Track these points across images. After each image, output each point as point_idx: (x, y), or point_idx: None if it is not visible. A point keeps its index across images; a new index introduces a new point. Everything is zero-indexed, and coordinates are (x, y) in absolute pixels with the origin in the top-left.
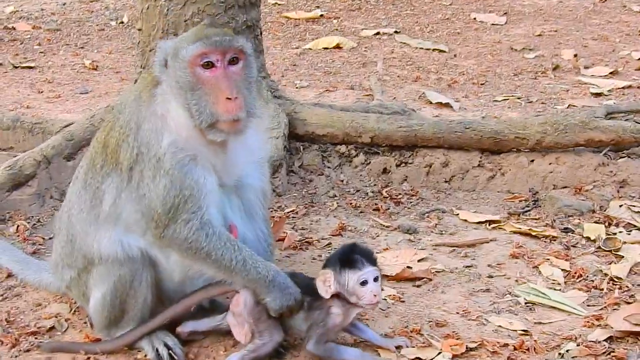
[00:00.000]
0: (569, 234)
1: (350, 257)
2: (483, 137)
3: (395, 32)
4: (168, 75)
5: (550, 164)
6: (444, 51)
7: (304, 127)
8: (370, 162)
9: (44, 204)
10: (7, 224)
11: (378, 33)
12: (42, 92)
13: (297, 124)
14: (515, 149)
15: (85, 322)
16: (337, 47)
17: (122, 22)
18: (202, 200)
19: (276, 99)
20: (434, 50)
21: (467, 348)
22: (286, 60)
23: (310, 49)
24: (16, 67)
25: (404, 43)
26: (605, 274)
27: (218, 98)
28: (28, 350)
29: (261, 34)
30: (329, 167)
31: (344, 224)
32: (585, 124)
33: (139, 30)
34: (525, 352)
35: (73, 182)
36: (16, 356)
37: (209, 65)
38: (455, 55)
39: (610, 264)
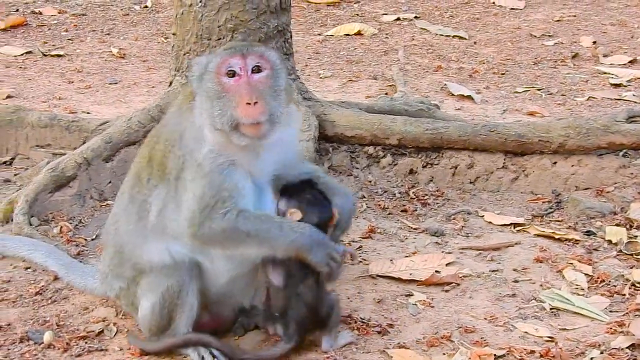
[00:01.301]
0: (591, 237)
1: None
2: (507, 139)
3: (415, 17)
4: (201, 88)
5: (572, 166)
6: (464, 38)
7: (333, 129)
8: (397, 163)
9: (84, 205)
10: (51, 224)
11: (398, 19)
12: (72, 82)
13: (327, 125)
14: (538, 152)
15: (127, 330)
16: (359, 33)
17: (146, 7)
18: (238, 198)
19: (306, 100)
20: (454, 37)
21: (495, 356)
22: (309, 47)
23: (332, 35)
24: (45, 55)
25: (424, 29)
26: (627, 279)
27: (239, 103)
28: (79, 355)
29: (291, 37)
30: (357, 168)
31: (373, 226)
32: (607, 128)
33: (174, 34)
34: (551, 358)
35: (119, 197)
36: None
37: (233, 74)
38: (475, 43)
39: (632, 268)
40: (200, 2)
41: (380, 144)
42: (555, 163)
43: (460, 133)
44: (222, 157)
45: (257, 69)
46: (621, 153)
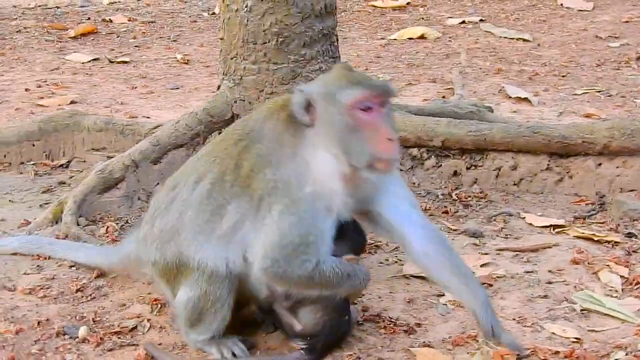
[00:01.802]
0: (633, 239)
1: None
2: (551, 141)
3: (481, 20)
4: (320, 120)
5: (617, 167)
6: (528, 40)
7: None
8: (441, 165)
9: (132, 206)
10: (98, 224)
11: (463, 22)
12: (135, 87)
13: None
14: (582, 153)
15: (162, 327)
16: (422, 37)
17: (213, 14)
18: (321, 246)
19: None
20: (517, 39)
21: (517, 356)
22: (371, 52)
23: (395, 39)
24: (112, 62)
25: (489, 32)
26: None
27: (379, 139)
28: (111, 350)
29: (337, 40)
30: (401, 170)
31: None
32: None
33: (221, 39)
34: (575, 359)
35: (197, 182)
36: (100, 355)
37: (367, 108)
38: (539, 45)
39: None
40: (246, 7)
41: (424, 146)
42: (599, 164)
43: (503, 134)
44: (322, 201)
45: (384, 102)
46: None
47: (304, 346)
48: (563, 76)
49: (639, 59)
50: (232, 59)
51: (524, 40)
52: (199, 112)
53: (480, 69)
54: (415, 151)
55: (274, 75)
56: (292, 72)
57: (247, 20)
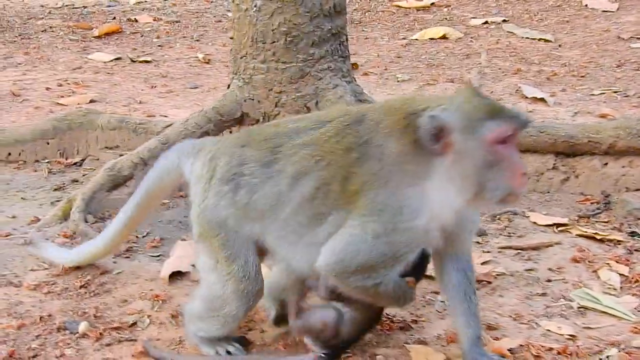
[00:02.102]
0: (635, 237)
1: None
2: (557, 140)
3: (504, 20)
4: (454, 152)
5: (623, 167)
6: (550, 41)
7: None
8: None
9: None
10: (106, 222)
11: (486, 22)
12: (155, 86)
13: None
14: (589, 152)
15: (162, 323)
16: (444, 37)
17: None
18: (394, 271)
19: (359, 102)
20: (539, 40)
21: (510, 351)
22: (391, 52)
23: (416, 39)
24: (134, 61)
25: (511, 32)
26: None
27: (515, 173)
28: (110, 345)
29: (347, 40)
30: None
31: None
32: None
33: (231, 38)
34: (567, 356)
35: (297, 178)
36: (99, 349)
37: (505, 141)
38: (560, 45)
39: None
40: (255, 6)
41: None
42: (605, 164)
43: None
44: (427, 235)
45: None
46: None
47: (324, 352)
48: (582, 77)
49: None
50: (241, 58)
51: (546, 40)
52: (208, 111)
53: (499, 69)
54: None
55: (283, 74)
56: (301, 71)
57: (256, 20)
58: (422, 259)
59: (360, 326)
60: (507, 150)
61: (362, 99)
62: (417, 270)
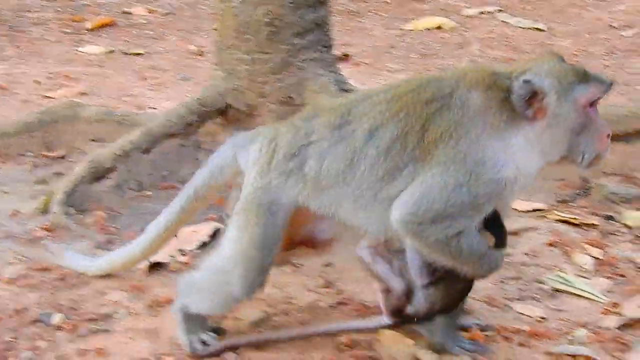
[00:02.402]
0: (610, 221)
1: None
2: None
3: (499, 10)
4: (548, 116)
5: None
6: (543, 30)
7: None
8: None
9: (122, 195)
10: (87, 214)
11: (482, 12)
12: (145, 79)
13: None
14: None
15: (138, 314)
16: (438, 27)
17: None
18: (473, 221)
19: (344, 92)
20: (532, 29)
21: (482, 332)
22: (385, 42)
23: (411, 29)
24: (126, 54)
25: (505, 22)
26: (634, 262)
27: (602, 136)
28: (84, 336)
29: (330, 30)
30: None
31: None
32: (636, 115)
33: (215, 29)
34: (537, 338)
35: (372, 132)
36: (72, 341)
37: (593, 104)
38: (552, 34)
39: None
40: None
41: None
42: None
43: None
44: (505, 191)
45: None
46: None
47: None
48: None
49: None
50: (225, 49)
51: (539, 29)
52: (192, 102)
53: (492, 58)
54: None
55: (266, 65)
56: (285, 61)
57: (239, 11)
58: (500, 227)
59: (436, 306)
60: (594, 113)
61: (347, 89)
62: (498, 239)
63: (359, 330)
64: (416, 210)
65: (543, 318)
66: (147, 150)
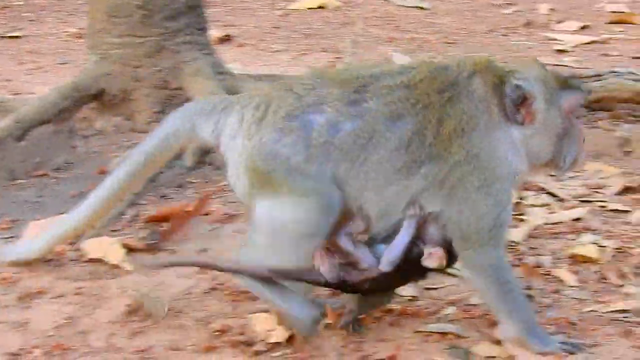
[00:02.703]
0: None
1: None
2: None
3: None
4: (536, 121)
5: None
6: (425, 8)
7: None
8: None
9: None
10: None
11: None
12: (23, 63)
13: None
14: None
15: (6, 306)
16: (321, 7)
17: None
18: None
19: (220, 75)
20: (415, 7)
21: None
22: (269, 22)
23: (295, 9)
24: (2, 37)
25: (388, 1)
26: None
27: (580, 141)
28: None
29: (204, 12)
30: None
31: None
32: None
33: (88, 13)
34: (407, 317)
35: (394, 120)
36: None
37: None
38: (434, 13)
39: (513, 227)
40: None
41: None
42: None
43: None
44: (517, 183)
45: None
46: None
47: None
48: (452, 43)
49: (527, 25)
50: (97, 33)
51: (422, 8)
52: (65, 87)
53: (374, 37)
54: None
55: (140, 49)
56: (158, 45)
57: None
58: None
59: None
60: (574, 119)
61: (222, 72)
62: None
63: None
64: (465, 233)
65: (414, 297)
66: (19, 138)
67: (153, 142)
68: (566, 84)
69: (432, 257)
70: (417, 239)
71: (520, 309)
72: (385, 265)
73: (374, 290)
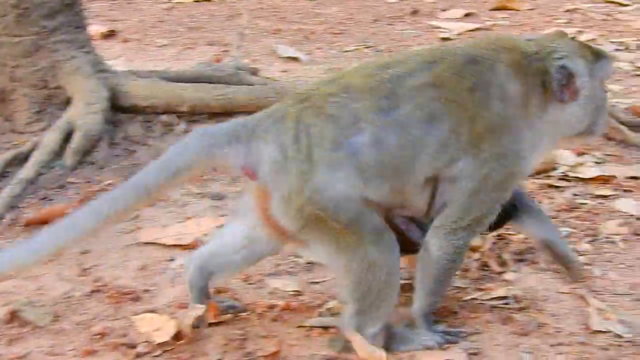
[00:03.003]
0: None
1: None
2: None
3: None
4: (580, 97)
5: None
6: None
7: (127, 99)
8: (190, 130)
9: None
10: None
11: None
12: None
13: (121, 96)
14: None
15: None
16: None
17: None
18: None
19: (100, 72)
20: None
21: (233, 309)
22: (154, 16)
23: (180, 2)
24: None
25: None
26: None
27: (606, 109)
28: None
29: (82, 10)
30: (152, 137)
31: None
32: None
33: None
34: (290, 312)
35: (429, 122)
36: None
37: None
38: (321, 3)
39: None
40: None
41: (173, 112)
42: None
43: (248, 97)
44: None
45: None
46: None
47: None
48: (338, 33)
49: (413, 13)
50: None
51: None
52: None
53: (260, 29)
54: (165, 118)
55: (16, 48)
56: (35, 44)
57: None
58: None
59: None
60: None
61: (103, 69)
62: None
63: None
64: (462, 215)
65: (298, 292)
66: None
67: (158, 171)
68: (597, 54)
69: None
70: None
71: (438, 293)
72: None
73: None
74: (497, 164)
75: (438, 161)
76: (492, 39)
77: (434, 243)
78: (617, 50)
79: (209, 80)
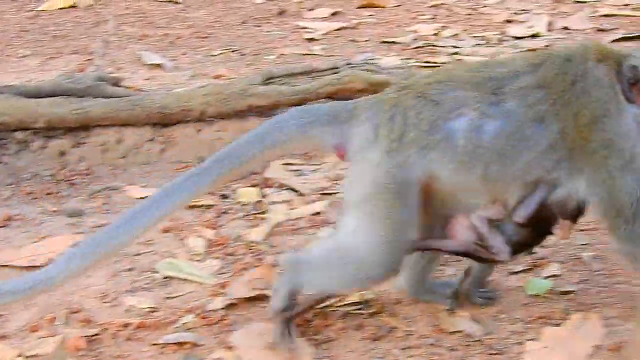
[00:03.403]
0: (225, 200)
1: None
2: (151, 112)
3: None
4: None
5: (217, 131)
6: (178, 2)
7: None
8: (47, 146)
9: None
10: None
11: None
12: None
13: None
14: (182, 121)
15: None
16: (73, 6)
17: None
18: None
19: None
20: (167, 2)
21: (91, 334)
22: (16, 25)
23: (44, 10)
24: None
25: None
26: (243, 239)
27: None
28: None
29: None
30: (7, 155)
31: (10, 214)
32: (244, 92)
33: None
34: (145, 329)
35: (539, 122)
36: None
37: None
38: (187, 7)
39: (253, 227)
40: None
41: (28, 129)
42: (199, 130)
43: (105, 110)
44: None
45: None
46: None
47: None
48: (205, 37)
49: (280, 14)
50: None
51: (174, 2)
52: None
53: (126, 36)
54: (20, 135)
55: None
56: None
57: None
58: None
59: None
60: None
61: None
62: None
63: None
64: (614, 212)
65: (153, 308)
66: None
67: (253, 147)
68: None
69: (563, 225)
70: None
71: None
72: (518, 217)
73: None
74: (608, 149)
75: (546, 161)
76: (579, 43)
77: (622, 250)
78: (477, 45)
79: (68, 93)
